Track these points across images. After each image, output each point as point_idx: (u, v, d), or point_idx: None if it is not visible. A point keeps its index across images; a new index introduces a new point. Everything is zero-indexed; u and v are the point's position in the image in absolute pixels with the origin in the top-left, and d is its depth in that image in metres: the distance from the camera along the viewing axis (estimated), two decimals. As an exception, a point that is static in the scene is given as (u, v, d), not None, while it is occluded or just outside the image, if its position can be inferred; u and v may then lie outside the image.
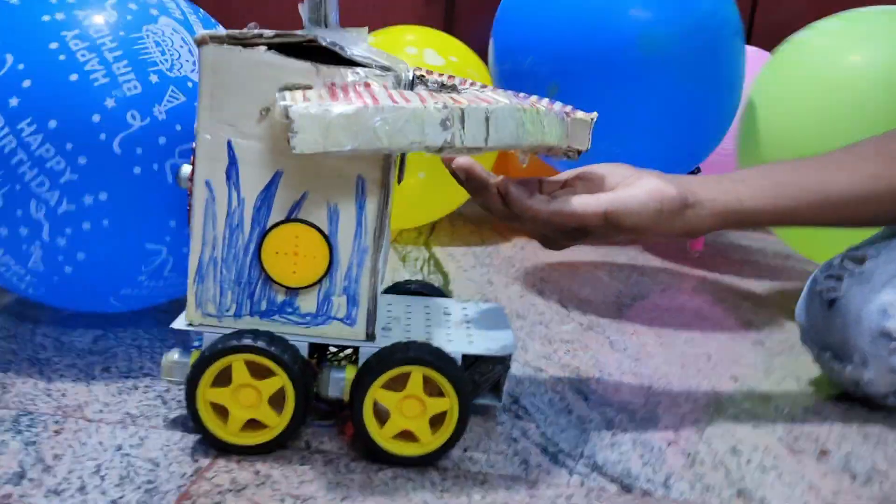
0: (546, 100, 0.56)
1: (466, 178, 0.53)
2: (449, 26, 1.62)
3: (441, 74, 0.59)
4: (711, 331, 0.84)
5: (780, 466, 0.54)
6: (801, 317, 0.69)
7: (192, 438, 0.50)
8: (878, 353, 0.61)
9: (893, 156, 0.61)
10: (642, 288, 0.98)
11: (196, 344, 0.51)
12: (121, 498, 0.44)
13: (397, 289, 0.63)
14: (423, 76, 0.58)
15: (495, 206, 0.53)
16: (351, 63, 0.47)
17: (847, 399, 0.67)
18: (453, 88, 0.58)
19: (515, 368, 0.67)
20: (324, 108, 0.43)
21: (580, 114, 0.55)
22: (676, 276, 1.05)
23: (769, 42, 1.52)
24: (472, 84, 0.58)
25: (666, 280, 1.03)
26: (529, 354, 0.71)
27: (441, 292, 0.64)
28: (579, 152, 0.55)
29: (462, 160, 0.53)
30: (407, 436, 0.49)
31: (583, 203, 0.52)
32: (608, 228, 0.53)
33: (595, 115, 0.56)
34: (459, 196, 1.13)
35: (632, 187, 0.54)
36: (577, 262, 1.06)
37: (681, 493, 0.49)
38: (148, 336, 0.66)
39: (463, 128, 0.45)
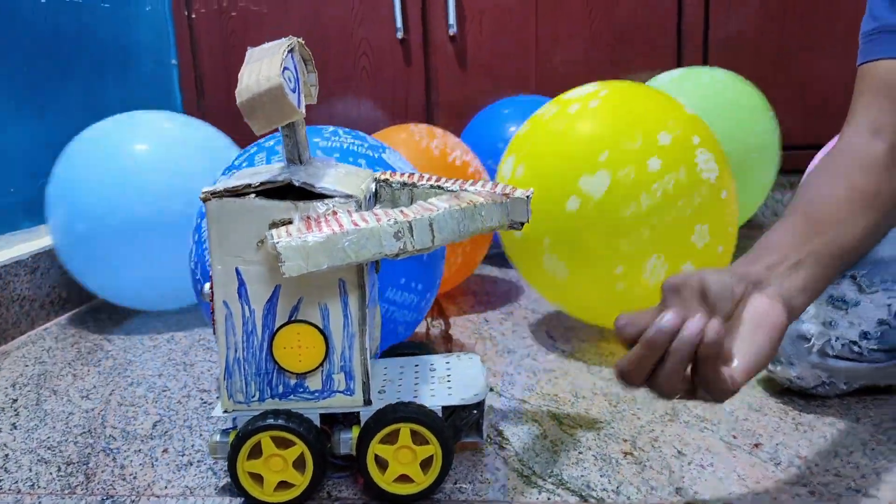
0: (489, 184, 0.68)
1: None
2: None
3: (402, 174, 0.72)
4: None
5: (715, 463, 0.65)
6: (740, 328, 0.80)
7: (238, 501, 0.63)
8: (799, 353, 0.73)
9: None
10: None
11: (232, 425, 0.64)
12: (190, 555, 0.57)
13: (394, 351, 0.76)
14: (386, 179, 0.72)
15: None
16: (321, 196, 0.60)
17: (788, 393, 0.78)
18: (413, 186, 0.71)
19: (502, 402, 0.79)
20: (303, 240, 0.56)
21: (518, 192, 0.67)
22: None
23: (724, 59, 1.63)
24: (429, 178, 0.71)
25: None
26: (515, 388, 0.84)
27: (430, 349, 0.77)
28: (522, 223, 0.67)
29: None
30: (404, 478, 0.61)
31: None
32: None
33: (531, 190, 0.68)
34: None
35: (756, 346, 0.50)
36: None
37: (628, 496, 0.61)
38: (196, 416, 0.80)
39: (412, 236, 0.58)
